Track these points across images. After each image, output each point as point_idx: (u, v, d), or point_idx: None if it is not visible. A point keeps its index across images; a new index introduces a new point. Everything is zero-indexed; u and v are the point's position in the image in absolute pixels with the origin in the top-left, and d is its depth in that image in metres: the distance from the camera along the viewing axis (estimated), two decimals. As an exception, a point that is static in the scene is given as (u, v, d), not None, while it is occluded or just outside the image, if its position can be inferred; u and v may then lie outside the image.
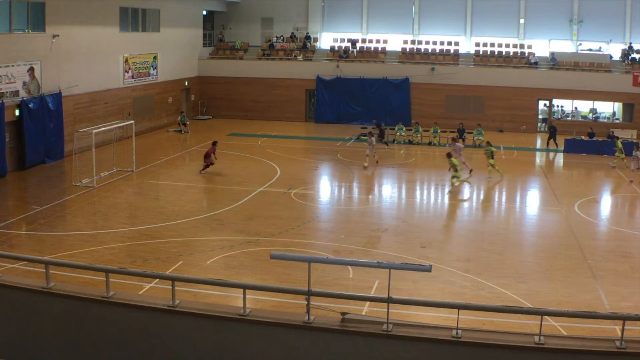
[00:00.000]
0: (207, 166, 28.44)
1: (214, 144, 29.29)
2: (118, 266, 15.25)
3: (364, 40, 47.14)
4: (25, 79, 28.74)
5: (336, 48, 46.26)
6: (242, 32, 48.99)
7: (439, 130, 37.82)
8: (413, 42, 46.27)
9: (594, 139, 35.91)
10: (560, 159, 34.88)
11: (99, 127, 28.20)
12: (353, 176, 29.36)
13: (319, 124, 43.94)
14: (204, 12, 47.51)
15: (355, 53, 45.66)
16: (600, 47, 43.73)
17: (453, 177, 26.97)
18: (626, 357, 7.89)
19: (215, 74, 46.00)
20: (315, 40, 47.76)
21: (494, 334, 8.52)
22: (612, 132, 37.26)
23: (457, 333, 8.22)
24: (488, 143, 30.05)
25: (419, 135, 37.96)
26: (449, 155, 27.70)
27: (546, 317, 10.23)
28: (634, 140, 36.02)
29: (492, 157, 29.08)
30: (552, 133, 36.76)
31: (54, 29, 30.25)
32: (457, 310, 8.57)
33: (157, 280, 15.67)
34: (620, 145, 31.86)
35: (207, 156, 28.56)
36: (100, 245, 19.08)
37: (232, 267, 17.81)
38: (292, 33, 47.87)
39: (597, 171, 31.51)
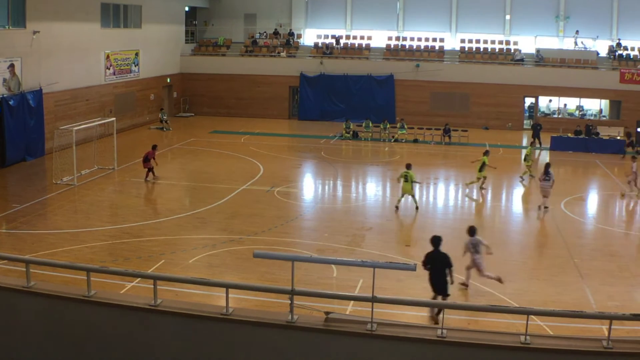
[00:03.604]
0: (149, 172, 26.56)
1: (154, 147, 26.98)
2: (99, 265, 15.12)
3: (348, 37, 47.00)
4: (6, 75, 28.38)
5: (320, 44, 46.11)
6: (224, 29, 48.72)
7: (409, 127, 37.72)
8: (397, 38, 46.14)
9: (581, 136, 35.90)
10: (545, 157, 34.94)
11: (80, 125, 27.93)
12: (337, 174, 29.27)
13: (303, 121, 43.80)
14: (187, 8, 47.22)
15: (339, 49, 45.53)
16: (582, 42, 43.73)
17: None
18: (613, 356, 7.87)
19: (198, 71, 45.73)
20: (299, 36, 47.61)
21: (479, 334, 8.50)
22: (592, 126, 36.99)
23: (442, 332, 8.18)
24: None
25: (404, 132, 37.95)
26: None
27: (532, 316, 10.19)
28: (621, 138, 35.98)
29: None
30: (537, 131, 36.80)
31: (35, 25, 29.87)
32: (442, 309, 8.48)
33: (139, 279, 15.47)
34: (529, 152, 29.40)
35: (145, 160, 26.51)
36: (82, 244, 18.85)
37: (214, 266, 17.66)
38: (275, 29, 47.67)
39: (583, 169, 31.58)
